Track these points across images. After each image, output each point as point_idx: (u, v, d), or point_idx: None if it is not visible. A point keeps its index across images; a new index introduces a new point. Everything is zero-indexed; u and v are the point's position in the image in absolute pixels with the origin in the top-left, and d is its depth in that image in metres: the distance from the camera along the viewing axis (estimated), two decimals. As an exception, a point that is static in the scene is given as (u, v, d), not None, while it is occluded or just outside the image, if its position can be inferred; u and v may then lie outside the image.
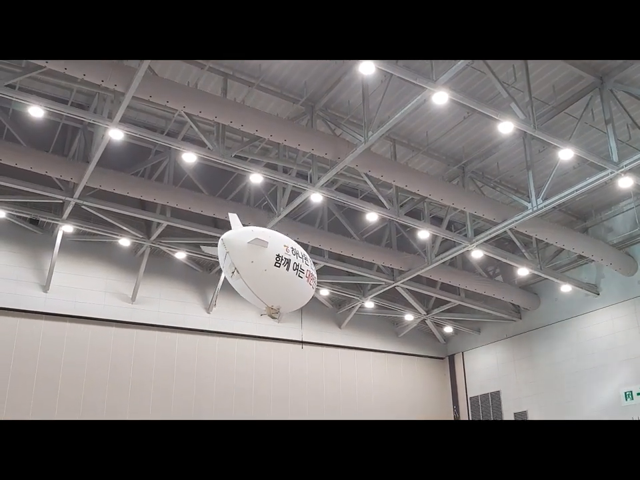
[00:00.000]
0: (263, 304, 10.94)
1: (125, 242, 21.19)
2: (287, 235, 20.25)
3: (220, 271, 23.09)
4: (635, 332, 21.34)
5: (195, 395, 22.73)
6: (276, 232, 11.50)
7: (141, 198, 18.33)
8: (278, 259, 10.11)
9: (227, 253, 10.26)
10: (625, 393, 21.13)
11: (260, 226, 19.65)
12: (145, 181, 18.74)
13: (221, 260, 10.76)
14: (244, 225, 11.34)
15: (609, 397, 21.51)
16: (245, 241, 10.19)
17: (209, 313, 23.81)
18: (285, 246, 10.42)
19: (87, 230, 20.38)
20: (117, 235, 20.74)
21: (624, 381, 21.23)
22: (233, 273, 10.27)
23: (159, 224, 20.22)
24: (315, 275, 11.39)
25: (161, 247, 21.59)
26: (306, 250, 21.92)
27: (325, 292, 25.16)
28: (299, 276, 10.35)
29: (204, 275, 24.09)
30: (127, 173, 18.11)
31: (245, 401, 23.61)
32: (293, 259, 10.29)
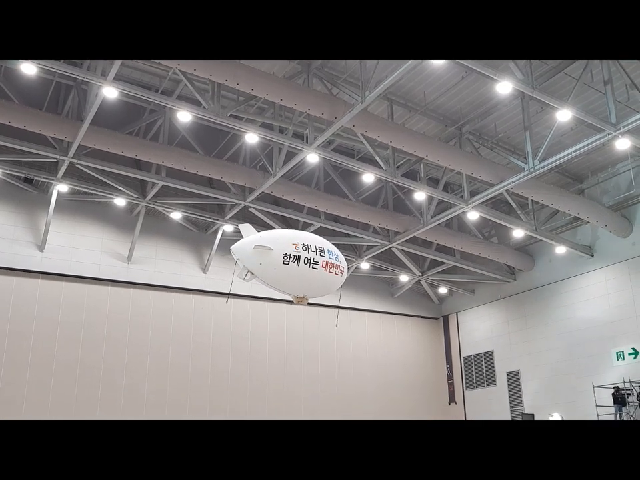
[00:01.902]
0: (289, 294, 12.63)
1: (120, 202, 21.13)
2: (282, 195, 20.39)
3: (216, 231, 23.16)
4: (627, 293, 21.55)
5: (192, 354, 22.98)
6: (289, 231, 13.18)
7: (136, 157, 18.22)
8: (286, 257, 11.41)
9: (237, 259, 12.12)
10: (617, 353, 21.45)
11: (256, 185, 19.71)
12: (140, 140, 18.59)
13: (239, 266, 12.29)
14: (258, 230, 12.86)
15: (600, 357, 21.84)
16: (251, 248, 11.73)
17: (205, 273, 23.91)
18: (294, 244, 11.61)
19: (82, 189, 20.29)
20: (112, 195, 20.66)
21: (616, 342, 21.53)
22: (246, 274, 11.99)
23: (154, 184, 20.13)
24: (339, 263, 12.39)
25: (156, 206, 21.54)
26: (301, 211, 22.01)
27: (320, 253, 25.21)
28: (312, 268, 11.52)
29: (200, 235, 24.10)
30: (121, 132, 17.97)
31: (241, 359, 23.90)
32: (304, 254, 11.49)
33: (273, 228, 22.96)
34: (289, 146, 17.95)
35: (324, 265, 11.77)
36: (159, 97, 15.95)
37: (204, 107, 15.82)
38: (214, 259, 23.75)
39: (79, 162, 18.32)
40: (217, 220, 22.44)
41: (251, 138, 17.54)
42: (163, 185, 19.91)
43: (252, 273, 11.86)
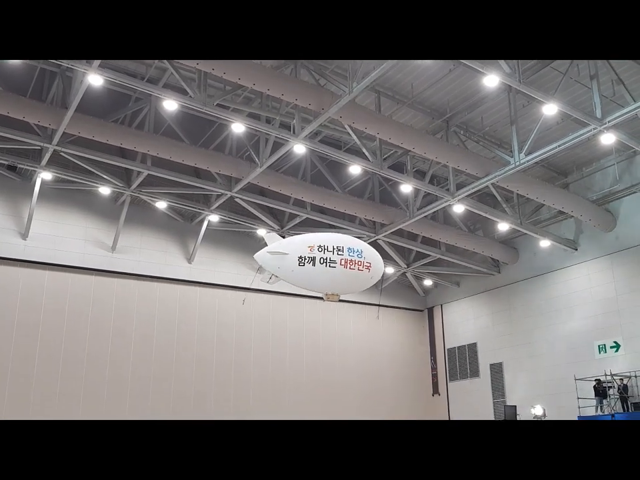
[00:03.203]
0: (319, 292, 13.97)
1: (104, 190, 20.96)
2: (268, 186, 20.32)
3: (201, 222, 23.07)
4: (610, 287, 21.77)
5: (176, 344, 22.92)
6: (308, 235, 14.08)
7: (121, 146, 18.07)
8: (300, 259, 12.47)
9: (260, 266, 13.57)
10: (599, 346, 21.69)
11: (242, 175, 19.65)
12: (125, 128, 18.42)
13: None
14: (283, 237, 14.51)
15: (582, 350, 22.06)
16: (268, 255, 13.03)
17: (190, 263, 23.82)
18: (309, 247, 12.62)
19: (66, 177, 20.09)
20: (97, 183, 20.48)
21: (598, 335, 21.76)
22: (270, 278, 13.52)
23: (139, 173, 19.98)
24: (362, 260, 13.03)
25: (141, 196, 21.39)
26: (288, 202, 21.98)
27: (306, 244, 25.22)
28: (330, 267, 12.42)
29: (185, 225, 23.98)
30: (106, 120, 17.79)
31: (226, 349, 23.89)
32: (319, 255, 12.46)
33: (257, 218, 22.97)
34: (275, 136, 17.87)
35: (342, 263, 12.56)
36: (145, 85, 15.80)
37: (190, 96, 15.69)
38: (199, 249, 23.66)
39: (63, 150, 18.13)
40: (203, 210, 22.34)
41: (238, 128, 17.45)
42: (148, 174, 19.77)
43: (276, 276, 13.30)
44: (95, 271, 21.97)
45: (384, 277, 27.59)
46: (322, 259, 12.49)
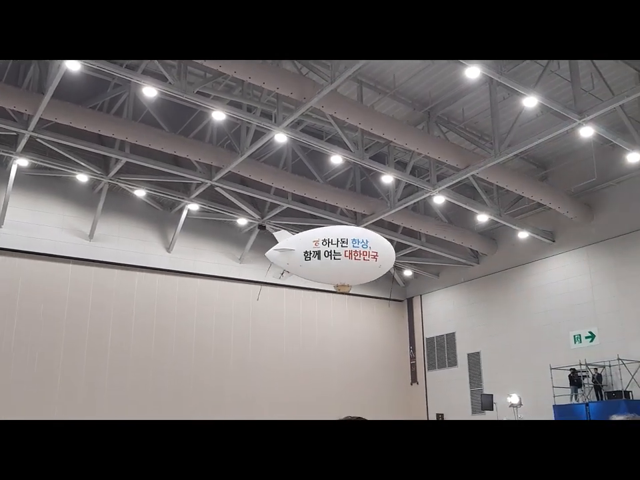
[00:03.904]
0: (329, 284, 14.64)
1: (82, 178, 20.67)
2: (249, 175, 20.22)
3: (181, 210, 22.89)
4: (586, 278, 22.09)
5: (155, 334, 22.79)
6: (314, 230, 14.34)
7: (99, 132, 17.79)
8: (306, 254, 12.93)
9: (271, 263, 14.17)
10: (574, 336, 22.03)
11: (222, 164, 19.51)
12: (103, 114, 18.16)
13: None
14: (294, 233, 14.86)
15: (559, 340, 22.39)
16: (276, 252, 13.63)
17: (169, 252, 23.63)
18: (314, 241, 13.01)
19: (43, 164, 19.76)
20: (74, 171, 20.19)
21: (573, 325, 22.09)
22: (282, 274, 14.29)
23: (117, 160, 19.72)
24: (367, 249, 13.25)
25: (119, 183, 21.14)
26: (268, 192, 21.89)
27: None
28: (335, 259, 12.77)
29: (164, 213, 23.77)
30: (84, 106, 17.49)
31: (206, 339, 23.81)
32: (324, 248, 12.83)
33: (238, 207, 22.84)
34: (256, 125, 17.75)
35: (347, 255, 12.85)
36: (124, 71, 15.55)
37: (170, 83, 15.49)
38: (179, 238, 23.48)
39: (40, 136, 17.82)
40: (182, 199, 22.15)
41: (218, 116, 17.29)
42: (127, 162, 19.52)
43: (287, 272, 14.06)
44: (72, 259, 21.71)
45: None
46: (326, 252, 12.86)
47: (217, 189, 21.29)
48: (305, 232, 14.78)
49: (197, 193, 21.63)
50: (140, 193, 21.95)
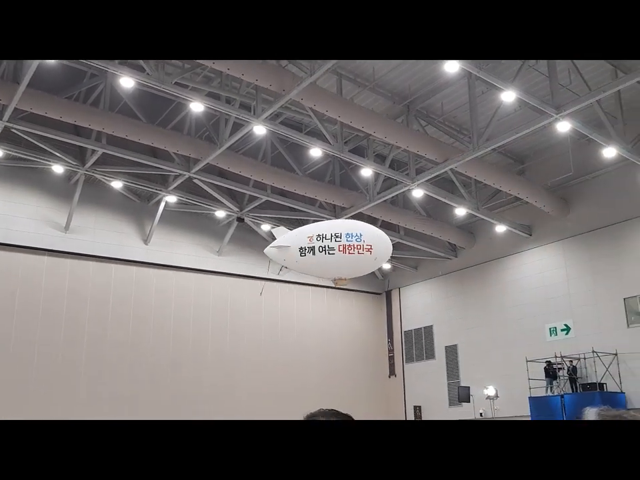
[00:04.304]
0: (327, 278, 15.03)
1: (58, 169, 20.39)
2: (228, 167, 20.10)
3: (158, 202, 22.70)
4: (562, 272, 22.36)
5: (132, 326, 22.61)
6: (309, 226, 14.63)
7: (75, 123, 17.55)
8: (301, 250, 13.19)
9: (270, 260, 14.56)
10: (550, 328, 22.31)
11: (201, 156, 19.37)
12: (79, 105, 17.89)
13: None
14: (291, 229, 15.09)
15: (534, 332, 22.65)
16: (274, 249, 13.97)
17: (146, 244, 23.43)
18: (308, 237, 13.27)
19: (18, 155, 19.45)
20: (50, 161, 19.89)
21: (549, 318, 22.37)
22: (280, 270, 14.62)
23: (93, 151, 19.47)
24: (361, 243, 13.45)
25: (95, 175, 20.88)
26: (247, 184, 21.79)
27: (266, 227, 25.11)
28: (329, 254, 13.01)
29: (142, 205, 23.55)
30: (59, 96, 17.22)
31: (183, 331, 23.68)
32: (318, 244, 13.05)
33: (216, 199, 22.71)
34: (235, 117, 17.63)
35: (341, 249, 13.07)
36: (100, 61, 15.32)
37: (147, 74, 15.31)
38: (156, 231, 23.29)
39: (15, 126, 17.51)
40: (160, 190, 21.96)
41: (197, 107, 17.14)
42: (103, 153, 19.28)
43: (286, 267, 14.32)
44: (47, 251, 21.43)
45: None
46: (321, 247, 13.06)
47: (195, 180, 21.14)
48: (301, 227, 15.03)
49: (175, 185, 21.45)
50: (117, 184, 21.71)
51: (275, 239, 14.41)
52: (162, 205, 22.62)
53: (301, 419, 2.17)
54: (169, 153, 19.90)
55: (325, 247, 13.10)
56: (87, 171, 20.35)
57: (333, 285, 15.25)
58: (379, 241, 13.95)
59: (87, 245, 22.15)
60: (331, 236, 13.21)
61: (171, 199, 22.39)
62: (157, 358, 22.78)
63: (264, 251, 14.62)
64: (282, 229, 14.93)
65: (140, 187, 21.86)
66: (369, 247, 13.48)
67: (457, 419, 24.91)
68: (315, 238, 13.25)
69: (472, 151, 17.83)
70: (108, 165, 20.64)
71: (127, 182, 21.43)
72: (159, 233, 23.44)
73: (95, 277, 22.27)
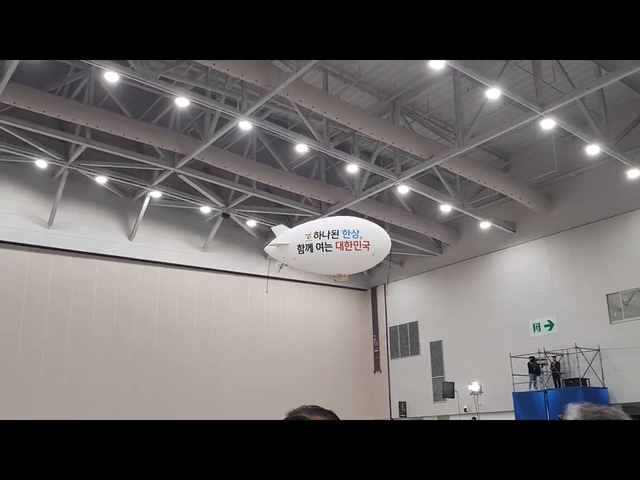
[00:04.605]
0: (326, 275, 15.05)
1: (41, 163, 20.19)
2: (213, 163, 20.02)
3: (143, 198, 22.56)
4: (545, 268, 22.54)
5: (116, 322, 22.47)
6: (307, 224, 14.97)
7: (59, 117, 17.37)
8: (300, 248, 13.36)
9: (270, 258, 14.81)
10: (534, 324, 22.49)
11: (186, 151, 19.28)
12: (63, 99, 17.72)
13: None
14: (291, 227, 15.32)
15: (518, 328, 22.83)
16: (273, 247, 14.23)
17: (131, 240, 23.28)
18: (306, 235, 13.39)
19: (0, 149, 19.21)
20: (33, 156, 19.69)
21: (533, 314, 22.55)
22: (280, 267, 15.33)
23: (77, 146, 19.31)
24: (358, 240, 13.49)
25: (79, 170, 20.70)
26: (233, 180, 21.70)
27: (251, 223, 25.07)
28: (326, 251, 13.11)
29: (126, 200, 23.38)
30: (43, 90, 17.03)
31: (168, 327, 23.58)
32: (315, 241, 13.17)
33: (201, 195, 22.63)
34: (221, 112, 17.56)
35: (338, 246, 13.16)
36: (84, 55, 15.16)
37: (132, 68, 15.18)
38: (140, 226, 23.14)
39: (-3, 120, 17.31)
40: (145, 186, 21.82)
41: (182, 102, 17.04)
42: (87, 148, 19.13)
43: (286, 265, 14.72)
44: (30, 246, 21.22)
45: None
46: (318, 245, 13.19)
47: (180, 176, 21.03)
48: (300, 225, 15.29)
49: (160, 180, 21.33)
50: (101, 179, 21.55)
51: (275, 237, 14.53)
52: (146, 200, 22.48)
53: (284, 414, 2.16)
54: (153, 148, 19.78)
55: (322, 244, 13.22)
56: (70, 165, 20.17)
57: (332, 282, 15.45)
58: (376, 237, 13.99)
59: (71, 240, 21.96)
60: (328, 233, 13.34)
61: (156, 194, 22.26)
62: (141, 353, 22.67)
63: (264, 249, 14.71)
64: (281, 227, 15.03)
65: (124, 182, 21.71)
66: (366, 243, 13.54)
67: (442, 414, 25.08)
68: (312, 235, 13.37)
69: (457, 148, 17.90)
70: (92, 160, 20.47)
71: (111, 177, 21.28)
72: (143, 229, 23.30)
73: (78, 273, 22.09)
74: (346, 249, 13.29)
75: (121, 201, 23.31)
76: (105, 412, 20.30)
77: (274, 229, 14.99)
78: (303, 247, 13.39)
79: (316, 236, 13.31)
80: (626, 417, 1.86)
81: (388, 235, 14.65)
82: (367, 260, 14.27)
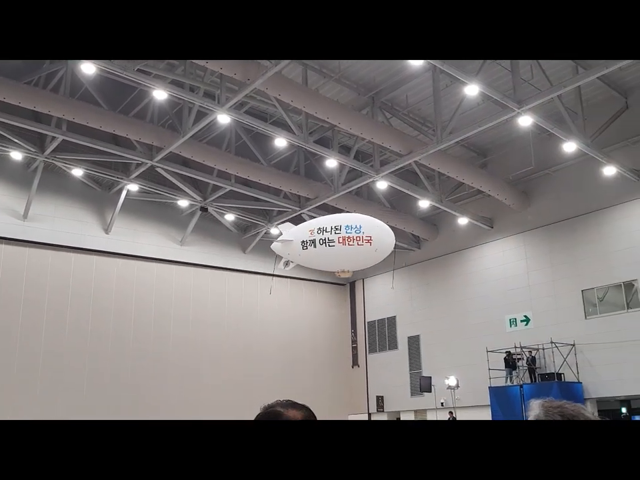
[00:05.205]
0: (329, 271, 15.73)
1: (16, 155, 19.88)
2: (191, 156, 19.87)
3: (120, 191, 22.35)
4: (522, 264, 22.77)
5: (92, 316, 22.22)
6: (311, 221, 15.12)
7: (35, 109, 17.11)
8: (303, 243, 13.66)
9: (276, 255, 15.12)
10: (510, 319, 22.73)
11: (164, 144, 19.12)
12: (39, 90, 17.45)
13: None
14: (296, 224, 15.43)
15: (495, 323, 23.05)
16: (278, 244, 14.56)
17: (107, 233, 23.03)
18: (310, 231, 13.68)
19: (-27, 140, 18.89)
20: (8, 148, 19.37)
21: (509, 309, 22.78)
22: (286, 264, 15.07)
23: (53, 138, 19.04)
24: (361, 235, 13.66)
25: (55, 162, 20.42)
26: (211, 173, 21.56)
27: (230, 217, 24.95)
28: (329, 246, 13.35)
29: (103, 193, 23.12)
30: (19, 81, 16.75)
31: (145, 321, 23.38)
32: (318, 237, 13.42)
33: (179, 189, 22.47)
34: (199, 105, 17.43)
35: (340, 241, 13.38)
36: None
37: (109, 60, 14.97)
38: (117, 220, 22.90)
39: (-31, 111, 16.99)
40: (122, 179, 21.60)
41: (160, 95, 16.87)
42: (64, 140, 18.87)
43: (291, 262, 14.91)
44: (4, 239, 20.89)
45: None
46: (321, 240, 13.42)
47: (157, 169, 20.85)
48: (305, 222, 15.54)
49: (137, 173, 21.13)
50: (77, 172, 21.28)
51: (281, 234, 14.83)
52: (123, 193, 22.26)
53: (259, 409, 2.15)
54: (131, 141, 19.58)
55: (325, 239, 13.43)
56: (46, 158, 19.89)
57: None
58: (379, 232, 14.13)
59: (46, 233, 21.67)
60: (331, 228, 13.54)
61: (133, 187, 22.05)
62: (117, 347, 22.47)
63: (271, 247, 15.05)
64: (287, 224, 15.39)
65: (101, 175, 21.47)
66: (369, 239, 13.67)
67: (419, 408, 25.26)
68: (315, 231, 13.61)
69: (435, 144, 17.98)
70: (68, 152, 20.21)
71: (88, 170, 21.03)
72: (120, 222, 23.06)
73: (54, 267, 21.81)
74: (348, 244, 13.50)
75: (97, 193, 23.05)
76: (81, 406, 20.14)
77: (280, 226, 15.41)
78: (307, 242, 13.64)
79: (319, 232, 13.59)
80: (587, 412, 1.87)
81: (392, 231, 14.74)
82: (370, 255, 14.36)
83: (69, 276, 22.05)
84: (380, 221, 14.87)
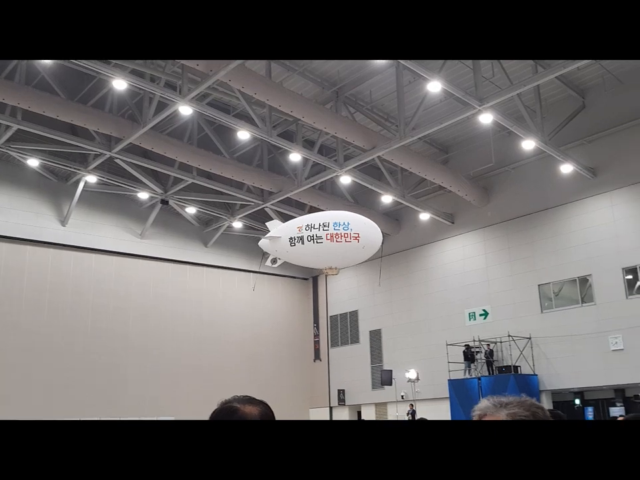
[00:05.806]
0: (318, 268, 15.74)
1: (-32, 144, 19.21)
2: (152, 148, 19.53)
3: (77, 182, 21.85)
4: (481, 259, 23.13)
5: (47, 311, 21.69)
6: (300, 218, 14.98)
7: (-13, 97, 16.55)
8: (291, 240, 13.70)
9: (263, 252, 15.45)
10: (469, 313, 23.08)
11: (123, 135, 18.75)
12: (-8, 77, 16.88)
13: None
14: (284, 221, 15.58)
15: (455, 317, 23.38)
16: (266, 240, 14.63)
17: (64, 225, 22.49)
18: (298, 227, 13.70)
19: None
20: (-41, 136, 18.72)
21: (469, 303, 23.13)
22: (274, 261, 15.14)
23: (8, 127, 18.46)
24: (348, 231, 13.69)
25: (10, 152, 19.84)
26: (172, 165, 21.25)
27: (191, 210, 24.65)
28: (317, 243, 13.36)
29: (59, 184, 22.55)
30: (-31, 66, 16.20)
31: (103, 316, 22.95)
32: (306, 233, 13.46)
33: (139, 181, 22.09)
34: (160, 96, 17.12)
35: (328, 238, 13.41)
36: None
37: (67, 47, 14.58)
38: (74, 211, 22.39)
39: None
40: (79, 170, 21.11)
41: (119, 84, 16.49)
42: (18, 129, 18.33)
43: (279, 258, 14.91)
44: (-45, 231, 20.23)
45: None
46: (309, 237, 13.45)
47: (116, 160, 20.44)
48: (293, 219, 15.47)
49: (95, 165, 20.68)
50: (33, 162, 20.72)
51: (269, 231, 14.78)
52: (81, 184, 21.76)
53: (217, 404, 2.12)
54: (89, 131, 19.13)
55: (313, 236, 13.44)
56: (0, 147, 19.28)
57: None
58: (366, 229, 14.17)
59: (0, 225, 21.04)
60: (319, 225, 13.57)
61: (91, 178, 21.58)
62: (73, 343, 22.00)
63: (258, 244, 15.06)
64: (275, 221, 15.51)
65: (58, 165, 20.95)
66: (356, 236, 13.71)
67: (380, 401, 25.48)
68: (304, 228, 13.61)
69: (398, 140, 18.07)
70: (23, 142, 19.65)
71: (44, 160, 20.48)
72: (77, 214, 22.54)
73: (8, 260, 21.20)
74: (336, 241, 13.54)
75: (54, 185, 22.48)
76: (34, 404, 19.68)
77: (268, 223, 15.33)
78: (295, 239, 13.66)
79: (307, 228, 13.63)
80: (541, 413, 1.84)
81: (379, 229, 14.86)
82: (357, 252, 14.41)
83: (24, 270, 21.46)
84: (367, 219, 14.93)
